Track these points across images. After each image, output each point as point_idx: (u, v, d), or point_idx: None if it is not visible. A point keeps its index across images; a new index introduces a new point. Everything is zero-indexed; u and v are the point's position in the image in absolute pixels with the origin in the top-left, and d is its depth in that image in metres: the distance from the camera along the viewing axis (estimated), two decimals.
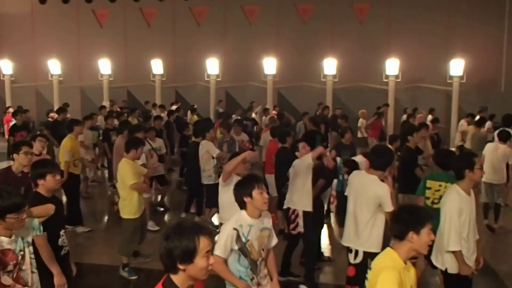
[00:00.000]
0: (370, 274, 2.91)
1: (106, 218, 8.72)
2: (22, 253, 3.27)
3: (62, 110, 12.65)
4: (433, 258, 4.30)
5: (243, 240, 3.55)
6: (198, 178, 8.01)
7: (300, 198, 5.57)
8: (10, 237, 3.20)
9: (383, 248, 3.03)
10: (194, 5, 19.54)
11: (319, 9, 18.46)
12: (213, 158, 7.80)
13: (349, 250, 4.60)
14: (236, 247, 3.54)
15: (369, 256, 4.34)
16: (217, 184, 7.20)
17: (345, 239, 4.68)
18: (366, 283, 2.95)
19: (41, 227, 3.61)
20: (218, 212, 6.11)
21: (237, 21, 19.08)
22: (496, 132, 8.65)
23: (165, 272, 2.28)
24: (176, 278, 2.24)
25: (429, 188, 5.26)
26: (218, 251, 3.49)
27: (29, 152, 5.10)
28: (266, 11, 18.82)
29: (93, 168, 10.39)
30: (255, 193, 3.53)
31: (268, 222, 3.75)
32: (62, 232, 4.04)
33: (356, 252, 4.50)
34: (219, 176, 7.59)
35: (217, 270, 3.44)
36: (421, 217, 2.85)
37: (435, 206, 5.06)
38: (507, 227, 7.99)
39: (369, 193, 4.43)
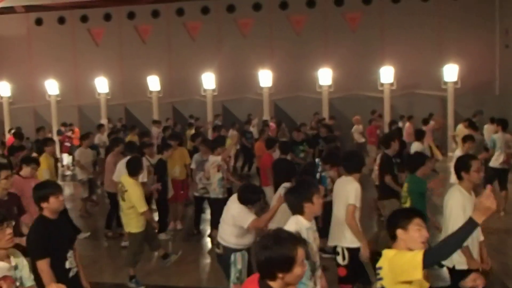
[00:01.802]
0: (384, 282, 2.87)
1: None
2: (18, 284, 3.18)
3: (41, 128, 13.04)
4: None
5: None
6: (164, 193, 8.08)
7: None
8: (7, 260, 3.11)
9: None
10: (188, 20, 19.74)
11: (312, 20, 18.65)
12: (218, 171, 7.72)
13: (336, 252, 4.78)
14: None
15: (354, 252, 4.64)
16: (222, 199, 7.27)
17: (331, 239, 4.93)
18: (382, 283, 2.89)
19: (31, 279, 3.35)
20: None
21: (231, 34, 19.26)
22: None
23: (262, 278, 2.38)
24: (273, 284, 2.36)
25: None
26: None
27: (9, 175, 4.99)
28: (259, 24, 19.01)
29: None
30: (315, 198, 3.66)
31: (314, 224, 3.85)
32: (69, 254, 3.92)
33: (343, 251, 4.71)
34: (225, 192, 7.60)
35: None
36: (407, 213, 2.96)
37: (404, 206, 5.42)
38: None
39: (342, 193, 4.77)
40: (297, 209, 3.66)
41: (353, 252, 4.65)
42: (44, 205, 3.79)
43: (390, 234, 2.97)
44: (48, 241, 3.73)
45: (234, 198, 4.90)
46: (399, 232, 2.90)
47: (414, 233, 2.88)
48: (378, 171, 7.29)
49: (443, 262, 4.27)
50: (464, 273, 4.07)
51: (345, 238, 4.70)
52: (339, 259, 4.74)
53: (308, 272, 3.65)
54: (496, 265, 6.39)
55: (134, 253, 6.23)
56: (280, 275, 2.31)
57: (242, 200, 4.76)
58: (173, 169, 8.59)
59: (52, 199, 3.78)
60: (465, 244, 3.94)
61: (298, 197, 3.66)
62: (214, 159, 7.75)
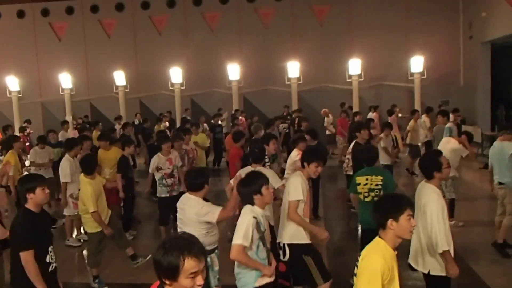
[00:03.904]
0: (359, 263, 2.92)
1: (73, 234, 8.45)
2: None
3: (8, 126, 12.96)
4: (411, 261, 4.17)
5: (262, 229, 3.73)
6: (130, 189, 8.02)
7: None
8: None
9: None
10: (154, 14, 19.37)
11: (280, 13, 18.60)
12: (157, 170, 7.42)
13: (279, 247, 4.67)
14: (257, 236, 3.69)
15: (296, 249, 4.53)
16: (165, 198, 7.17)
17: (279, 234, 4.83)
18: (356, 271, 2.93)
19: None
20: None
21: (199, 28, 19.01)
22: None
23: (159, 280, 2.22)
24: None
25: (359, 184, 5.40)
26: (239, 240, 3.61)
27: None
28: (227, 17, 18.83)
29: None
30: (264, 189, 3.80)
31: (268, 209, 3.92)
32: (50, 249, 3.98)
33: (284, 247, 4.59)
34: (171, 191, 7.40)
35: (238, 259, 3.67)
36: (398, 204, 2.91)
37: (366, 199, 5.32)
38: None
39: (287, 188, 4.69)
40: (248, 200, 3.82)
41: (294, 249, 4.54)
42: (30, 196, 3.84)
43: (379, 222, 2.93)
44: (32, 233, 3.77)
45: (186, 196, 4.52)
46: (391, 222, 2.87)
47: (405, 223, 2.88)
48: (352, 161, 7.30)
49: (417, 267, 4.13)
50: (440, 279, 3.96)
51: (286, 234, 4.57)
52: (281, 254, 4.61)
53: (265, 260, 3.79)
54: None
55: (94, 253, 6.09)
56: (166, 281, 2.16)
57: (188, 188, 4.48)
58: (103, 170, 8.05)
59: (38, 191, 3.85)
60: (446, 248, 3.85)
61: (248, 189, 3.81)
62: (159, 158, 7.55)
